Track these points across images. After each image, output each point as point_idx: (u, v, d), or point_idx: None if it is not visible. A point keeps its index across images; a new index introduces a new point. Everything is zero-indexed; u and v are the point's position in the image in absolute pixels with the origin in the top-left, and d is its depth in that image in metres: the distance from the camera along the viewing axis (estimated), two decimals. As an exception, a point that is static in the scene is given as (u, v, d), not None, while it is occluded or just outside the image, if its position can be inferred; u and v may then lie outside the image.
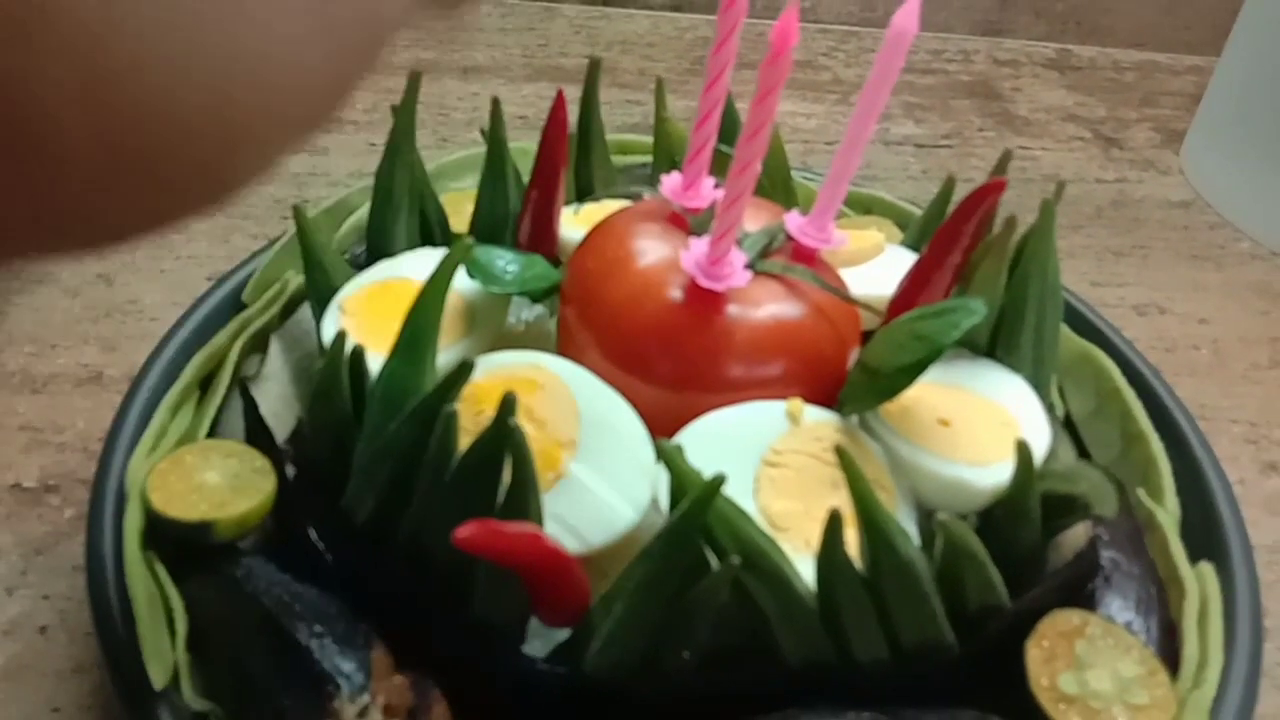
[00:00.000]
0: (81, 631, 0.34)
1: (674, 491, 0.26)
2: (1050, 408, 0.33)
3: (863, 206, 0.45)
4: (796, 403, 0.29)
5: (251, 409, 0.33)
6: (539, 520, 0.26)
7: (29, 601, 0.34)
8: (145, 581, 0.27)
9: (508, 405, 0.25)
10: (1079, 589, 0.30)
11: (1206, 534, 0.33)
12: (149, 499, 0.29)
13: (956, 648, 0.27)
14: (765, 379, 0.30)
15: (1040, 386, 0.33)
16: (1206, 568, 0.32)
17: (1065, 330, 0.40)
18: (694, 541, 0.25)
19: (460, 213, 0.39)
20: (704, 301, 0.29)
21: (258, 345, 0.36)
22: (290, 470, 0.31)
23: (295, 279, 0.38)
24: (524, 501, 0.25)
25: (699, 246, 0.29)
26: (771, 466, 0.29)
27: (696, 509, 0.24)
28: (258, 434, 0.32)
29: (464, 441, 0.27)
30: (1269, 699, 0.34)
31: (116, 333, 0.45)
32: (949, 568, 0.27)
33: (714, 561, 0.26)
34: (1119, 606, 0.30)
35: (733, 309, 0.30)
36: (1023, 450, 0.27)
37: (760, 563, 0.25)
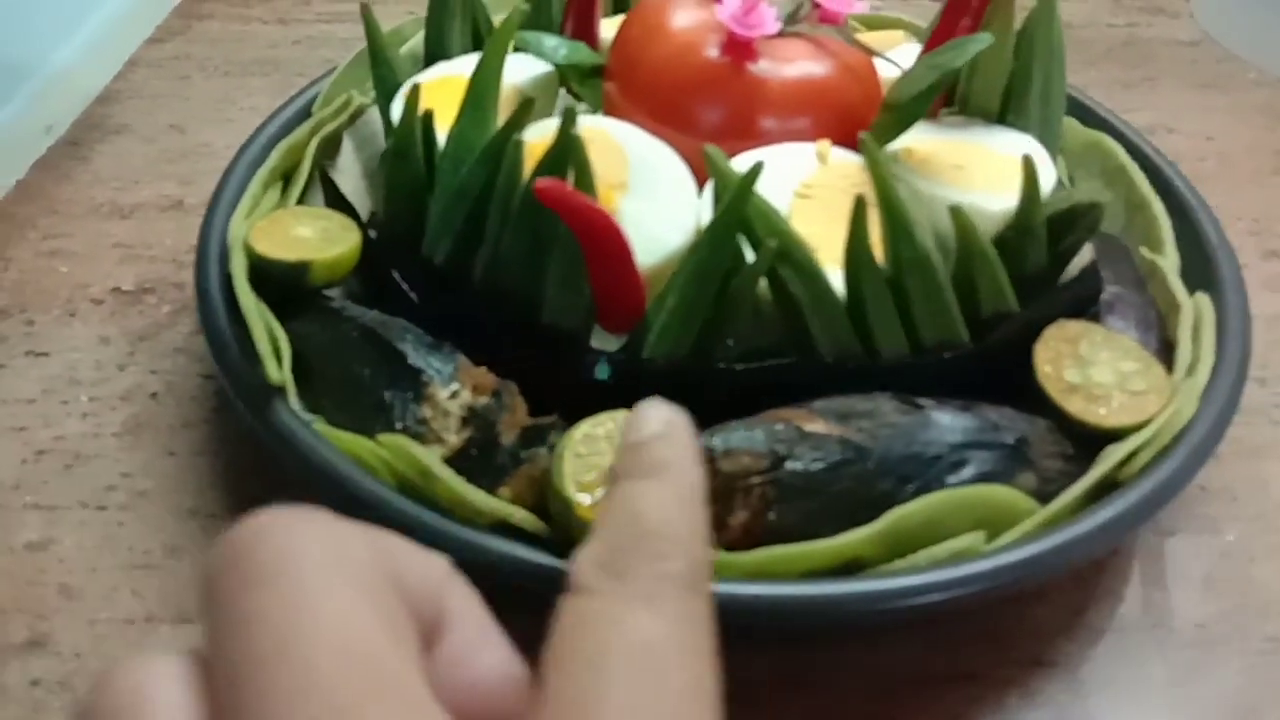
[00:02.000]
0: (187, 396, 0.38)
1: (716, 191, 0.29)
2: (1056, 159, 0.36)
3: (884, 26, 0.47)
4: (825, 144, 0.33)
5: (331, 187, 0.36)
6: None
7: (139, 375, 0.38)
8: (255, 306, 0.31)
9: (569, 117, 0.28)
10: (1085, 304, 0.33)
11: (1203, 271, 0.36)
12: (252, 246, 0.33)
13: (970, 345, 0.31)
14: (796, 129, 0.33)
15: (1047, 143, 0.36)
16: (1202, 296, 0.35)
17: (1072, 122, 0.43)
18: (734, 231, 0.28)
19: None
20: (739, 56, 0.33)
21: (332, 145, 0.39)
22: (372, 234, 0.35)
23: (359, 97, 0.41)
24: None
25: (732, 2, 0.32)
26: (802, 198, 0.32)
27: (737, 199, 0.28)
28: (340, 206, 0.36)
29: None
30: (1252, 393, 0.38)
31: (192, 169, 0.48)
32: (962, 268, 0.30)
33: (752, 258, 0.29)
34: (1121, 326, 0.34)
35: (765, 63, 0.33)
36: (1028, 163, 0.30)
37: (793, 253, 0.28)
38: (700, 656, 0.17)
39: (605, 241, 0.28)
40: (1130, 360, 0.32)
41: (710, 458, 0.27)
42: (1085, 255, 0.35)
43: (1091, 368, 0.31)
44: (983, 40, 0.31)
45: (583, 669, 0.16)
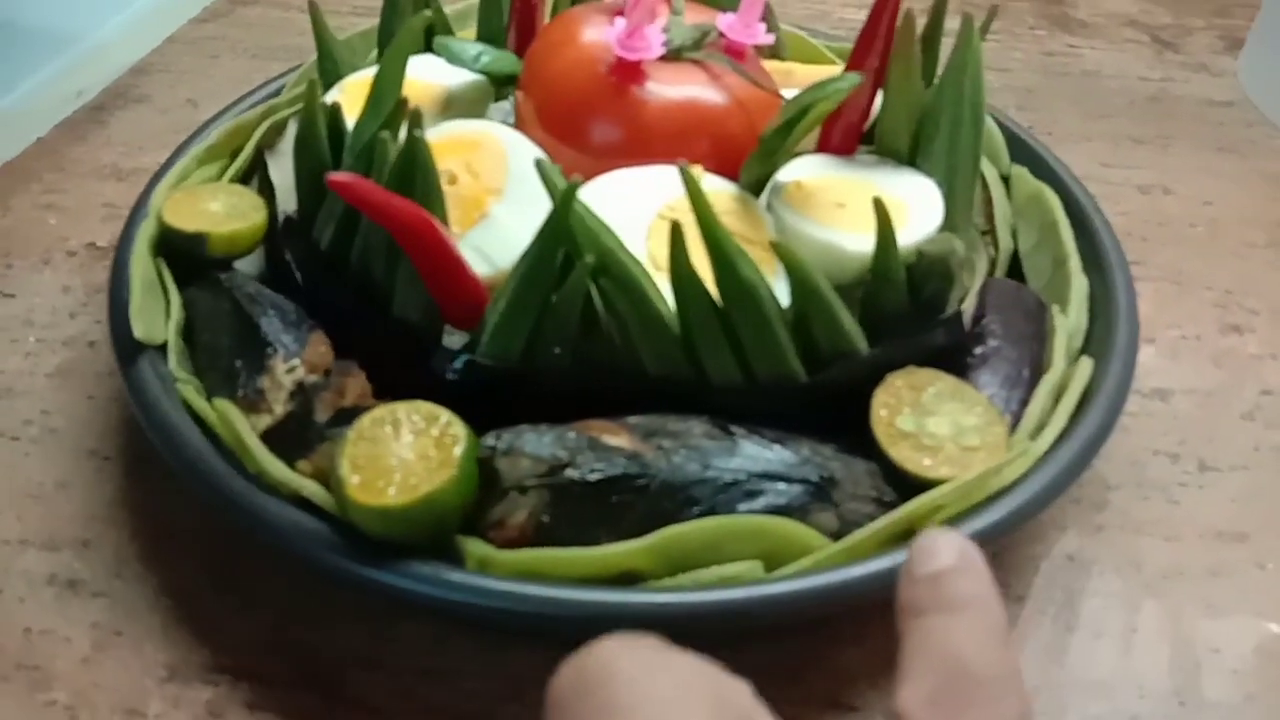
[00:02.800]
0: (121, 348, 0.41)
1: (552, 200, 0.30)
2: (959, 209, 0.36)
3: (817, 58, 0.47)
4: (697, 168, 0.33)
5: (261, 166, 0.39)
6: (443, 220, 0.31)
7: (85, 324, 0.42)
8: (144, 269, 0.34)
9: (415, 119, 0.30)
10: (948, 353, 0.32)
11: (1104, 336, 0.35)
12: (161, 214, 0.35)
13: (805, 380, 0.31)
14: (679, 153, 0.34)
15: (954, 187, 0.36)
16: (1086, 360, 0.34)
17: (1022, 171, 0.42)
18: (558, 242, 0.29)
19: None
20: (625, 77, 0.34)
21: (280, 130, 0.42)
22: (281, 216, 0.37)
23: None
24: (427, 202, 0.30)
25: (621, 23, 0.33)
26: (664, 219, 0.33)
27: (561, 210, 0.29)
28: (262, 185, 0.38)
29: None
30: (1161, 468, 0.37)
31: (193, 142, 0.52)
32: (796, 303, 0.30)
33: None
34: (987, 380, 0.33)
35: (652, 85, 0.34)
36: (879, 206, 0.30)
37: (615, 269, 0.29)
38: None
39: (419, 235, 0.29)
40: (974, 416, 0.31)
41: (491, 455, 0.28)
42: (970, 304, 0.35)
43: (930, 418, 0.31)
44: (848, 80, 0.31)
45: None
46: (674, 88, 0.34)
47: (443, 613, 0.30)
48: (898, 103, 0.35)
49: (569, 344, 0.30)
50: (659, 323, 0.30)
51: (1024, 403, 0.33)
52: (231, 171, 0.40)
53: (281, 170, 0.40)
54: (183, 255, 0.35)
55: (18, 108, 0.51)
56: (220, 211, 0.36)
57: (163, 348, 0.33)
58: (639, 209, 0.33)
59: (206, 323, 0.34)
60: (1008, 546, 0.34)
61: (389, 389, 0.32)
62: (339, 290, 0.34)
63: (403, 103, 0.32)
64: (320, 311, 0.34)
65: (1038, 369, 0.34)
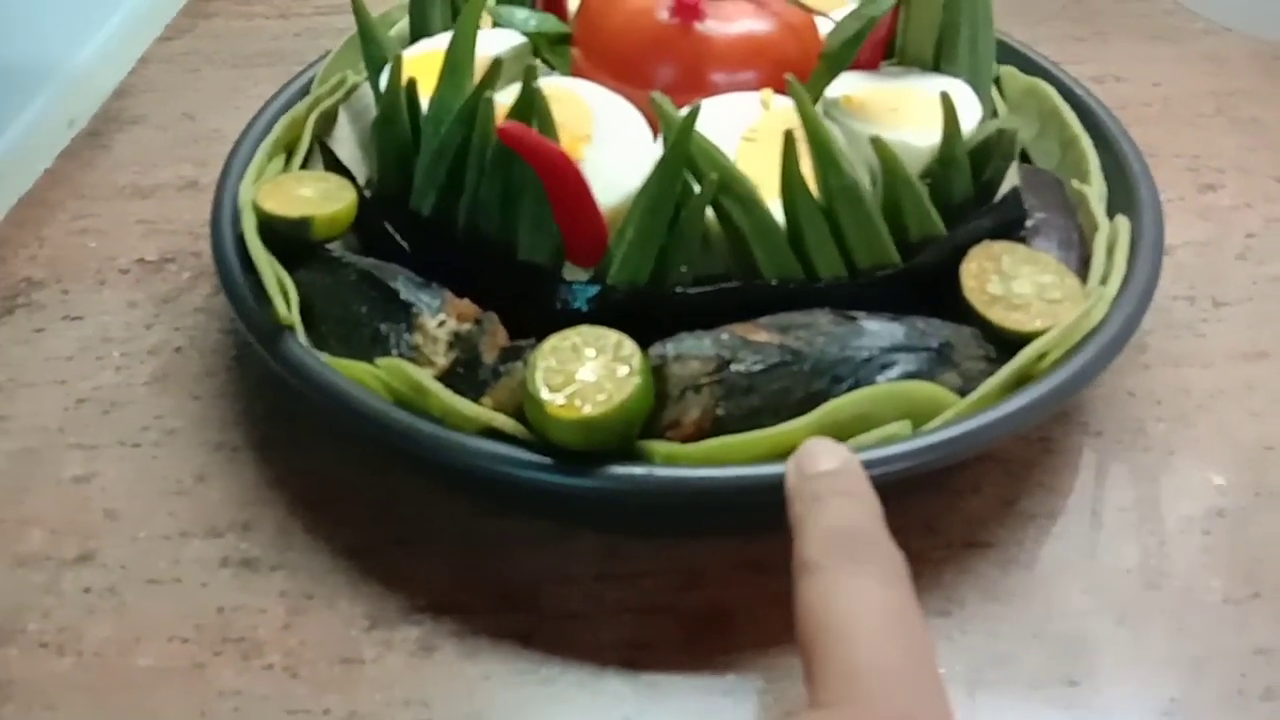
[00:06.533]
0: (208, 349, 0.42)
1: (665, 133, 0.33)
2: (986, 101, 0.40)
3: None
4: (767, 92, 0.36)
5: (329, 154, 0.40)
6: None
7: (165, 332, 0.43)
8: (265, 257, 0.35)
9: (530, 74, 0.32)
10: (1011, 227, 0.36)
11: (1125, 197, 0.40)
12: (260, 206, 0.37)
13: (900, 266, 0.34)
14: (742, 82, 0.37)
15: (978, 85, 0.40)
16: (1122, 219, 0.38)
17: (1013, 70, 0.47)
18: (680, 167, 0.32)
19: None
20: (687, 17, 0.36)
21: (329, 119, 0.43)
22: (367, 192, 0.39)
23: (353, 76, 0.45)
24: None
25: (675, -30, 0.36)
26: (748, 141, 0.36)
27: (681, 137, 0.31)
28: (337, 170, 0.40)
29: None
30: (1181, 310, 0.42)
31: (205, 153, 0.52)
32: (889, 195, 0.34)
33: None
34: (1045, 245, 0.37)
35: (711, 23, 0.37)
36: (945, 100, 0.34)
37: (734, 186, 0.32)
38: (922, 619, 0.23)
39: (564, 178, 0.32)
40: (1049, 274, 0.35)
41: (663, 363, 0.30)
42: (1012, 186, 0.39)
43: (1013, 281, 0.35)
44: (889, -2, 0.34)
45: (836, 638, 0.22)
46: (731, 22, 0.37)
47: (630, 511, 0.32)
48: (921, 15, 0.39)
49: (693, 263, 0.33)
50: (773, 230, 0.33)
51: (1081, 260, 0.37)
52: (296, 161, 0.41)
53: (344, 154, 0.41)
54: (282, 241, 0.37)
55: (17, 143, 0.51)
56: (314, 196, 0.37)
57: (291, 330, 0.35)
58: (724, 135, 0.35)
59: (332, 299, 0.35)
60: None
61: (519, 333, 0.34)
62: (449, 249, 0.36)
63: (497, 64, 0.34)
64: (431, 273, 0.36)
65: (1081, 233, 0.38)
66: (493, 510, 0.35)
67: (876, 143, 0.33)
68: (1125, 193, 0.40)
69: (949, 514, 0.35)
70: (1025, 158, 0.44)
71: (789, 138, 0.32)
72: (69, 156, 0.52)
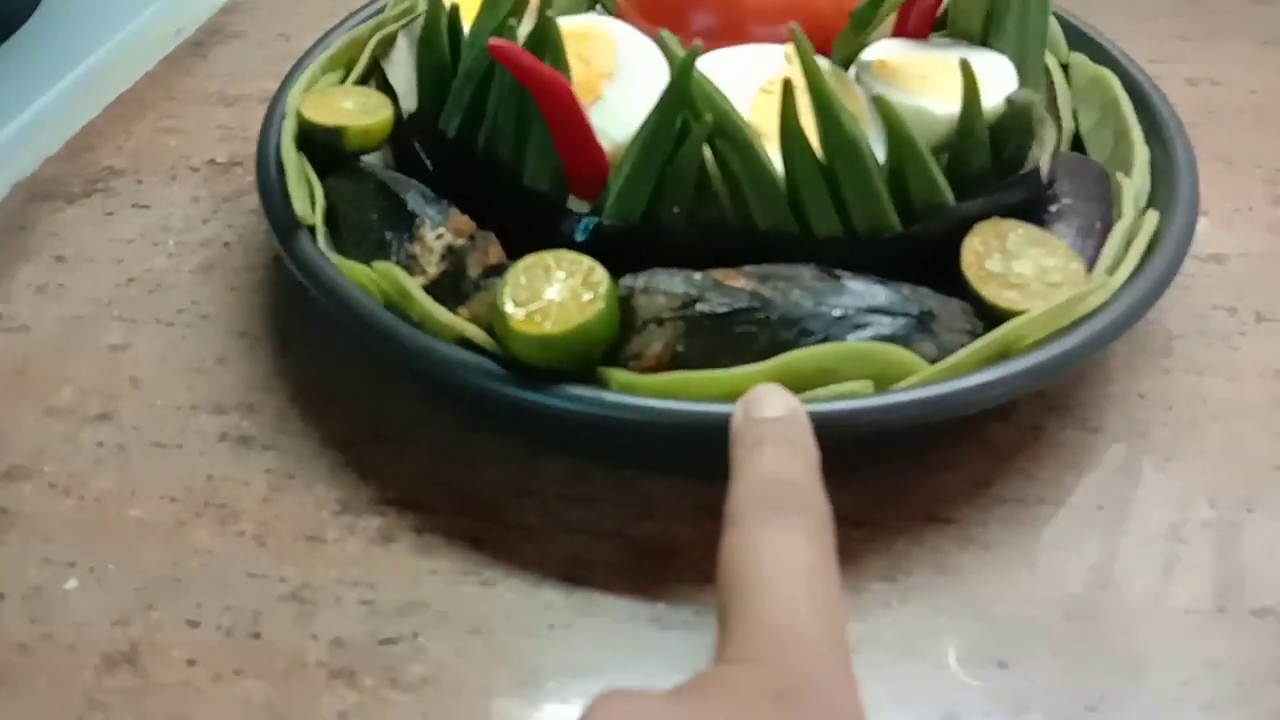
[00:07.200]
0: (253, 247, 0.45)
1: (671, 67, 0.33)
2: (1031, 84, 0.39)
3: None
4: (791, 46, 0.36)
5: (379, 73, 0.42)
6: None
7: (218, 228, 0.46)
8: (294, 160, 0.37)
9: (546, 4, 0.33)
10: (1028, 207, 0.36)
11: (1168, 195, 0.38)
12: (301, 112, 0.39)
13: (899, 231, 0.34)
14: (774, 35, 0.37)
15: (1024, 64, 0.38)
16: (1151, 214, 0.37)
17: (1081, 58, 0.45)
18: (678, 106, 0.32)
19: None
20: (724, -34, 0.37)
21: (390, 43, 0.45)
22: (403, 112, 0.40)
23: (423, 4, 0.47)
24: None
25: (716, -84, 0.36)
26: (766, 93, 0.36)
27: (680, 76, 0.32)
28: (384, 89, 0.42)
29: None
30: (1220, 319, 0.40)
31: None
32: (894, 158, 0.33)
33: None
34: (1063, 230, 0.36)
35: (748, -26, 0.37)
36: (965, 67, 0.33)
37: (730, 129, 0.32)
38: (837, 581, 0.23)
39: (556, 101, 0.33)
40: (1054, 257, 0.34)
41: (630, 294, 0.31)
42: (1045, 164, 0.37)
43: (1015, 260, 0.34)
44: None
45: (750, 593, 0.22)
46: (768, -26, 0.37)
47: (588, 434, 0.33)
48: (973, -13, 0.38)
49: (686, 204, 0.34)
50: (769, 179, 0.33)
51: (1099, 250, 0.36)
52: (352, 78, 0.43)
53: (396, 76, 0.43)
54: (320, 149, 0.39)
55: (127, 45, 0.55)
56: (353, 109, 0.39)
57: (310, 230, 0.37)
58: (744, 84, 0.36)
59: (353, 204, 0.37)
60: (1082, 386, 0.38)
61: (519, 254, 0.35)
62: (468, 171, 0.37)
63: (524, -3, 0.35)
64: (449, 192, 0.37)
65: (1108, 223, 0.37)
66: (471, 425, 0.36)
67: (878, 101, 0.32)
68: (1168, 191, 0.38)
69: (919, 487, 0.35)
70: (1079, 146, 0.43)
71: (787, 86, 0.32)
72: (170, 62, 0.56)
